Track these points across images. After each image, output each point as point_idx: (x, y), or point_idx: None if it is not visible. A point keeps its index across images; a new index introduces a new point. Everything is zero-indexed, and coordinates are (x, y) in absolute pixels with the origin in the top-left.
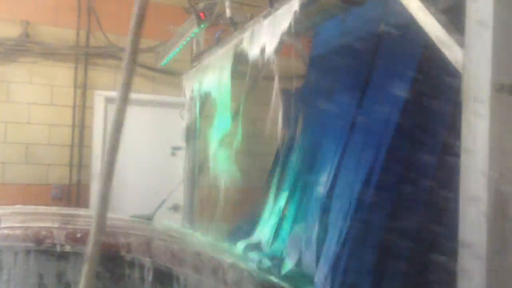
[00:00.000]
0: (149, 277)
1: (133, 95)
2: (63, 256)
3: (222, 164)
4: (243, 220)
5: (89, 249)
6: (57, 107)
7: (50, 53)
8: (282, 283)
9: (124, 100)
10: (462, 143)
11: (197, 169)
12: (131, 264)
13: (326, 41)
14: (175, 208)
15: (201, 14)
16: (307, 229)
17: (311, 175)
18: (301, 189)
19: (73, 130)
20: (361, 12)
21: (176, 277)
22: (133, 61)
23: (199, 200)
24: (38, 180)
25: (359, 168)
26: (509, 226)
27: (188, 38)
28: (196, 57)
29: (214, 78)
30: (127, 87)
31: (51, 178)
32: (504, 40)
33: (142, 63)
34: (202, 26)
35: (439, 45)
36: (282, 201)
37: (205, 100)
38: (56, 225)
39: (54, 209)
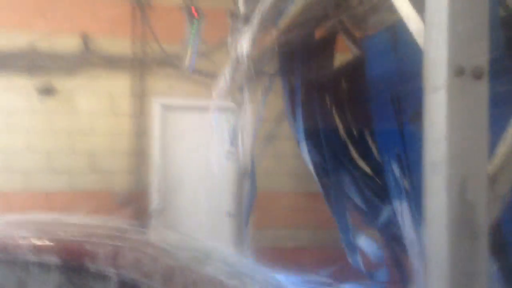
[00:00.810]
0: None
1: (192, 102)
2: (26, 266)
3: None
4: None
5: None
6: (117, 115)
7: (108, 64)
8: None
9: None
10: (425, 137)
11: (245, 173)
12: (95, 275)
13: None
14: (229, 214)
15: (194, 12)
16: None
17: None
18: None
19: (133, 138)
20: None
21: None
22: None
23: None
24: (103, 187)
25: None
26: (476, 242)
27: (192, 39)
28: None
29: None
30: None
31: (115, 185)
32: (464, 14)
33: (198, 70)
34: (195, 23)
35: (407, 23)
36: None
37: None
38: (26, 234)
39: (50, 216)
